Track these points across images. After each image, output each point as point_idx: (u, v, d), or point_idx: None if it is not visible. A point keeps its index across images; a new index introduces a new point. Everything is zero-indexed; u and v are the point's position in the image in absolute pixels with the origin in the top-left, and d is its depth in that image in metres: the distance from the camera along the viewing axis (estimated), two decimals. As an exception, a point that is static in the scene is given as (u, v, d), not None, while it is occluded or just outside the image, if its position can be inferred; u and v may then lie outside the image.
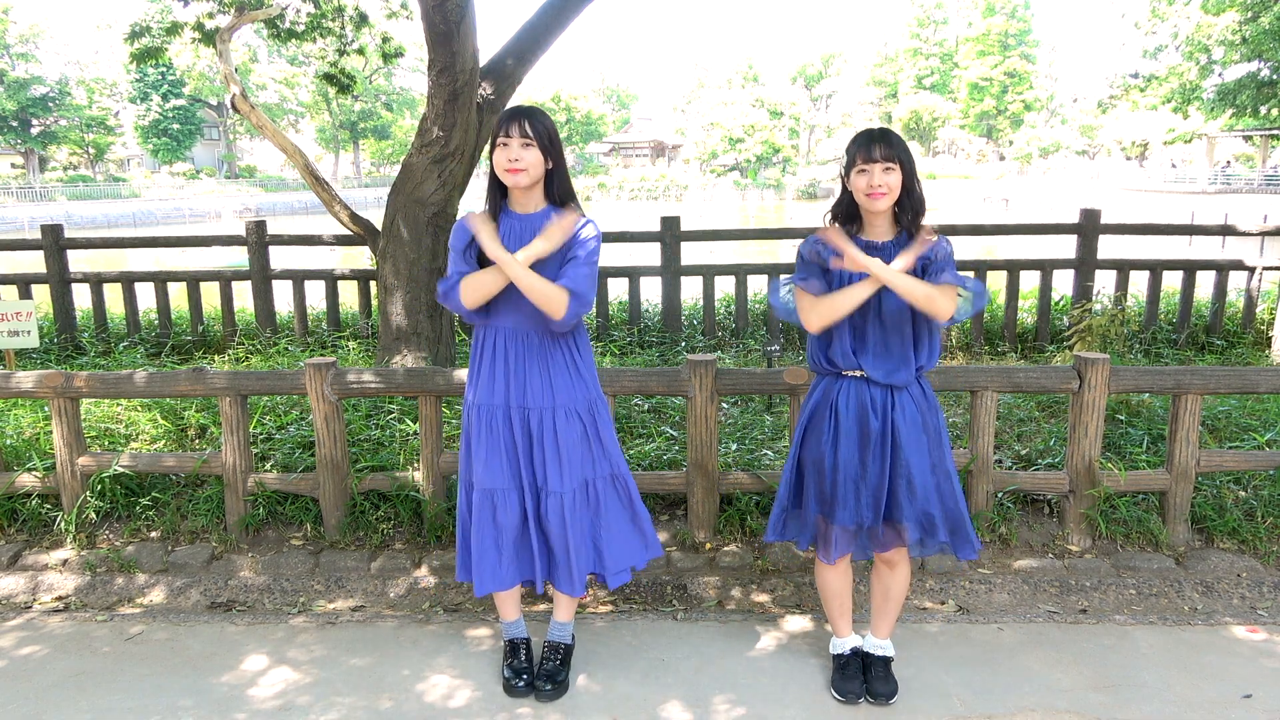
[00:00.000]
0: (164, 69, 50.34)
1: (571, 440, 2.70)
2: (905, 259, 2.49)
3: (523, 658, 2.91)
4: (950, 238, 2.65)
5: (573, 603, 2.95)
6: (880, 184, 2.49)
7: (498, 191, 2.69)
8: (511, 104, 5.83)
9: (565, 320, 2.56)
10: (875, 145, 2.50)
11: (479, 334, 2.74)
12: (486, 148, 2.69)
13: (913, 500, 2.61)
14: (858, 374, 2.63)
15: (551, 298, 2.53)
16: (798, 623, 3.27)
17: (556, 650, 2.91)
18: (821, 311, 2.55)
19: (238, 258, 18.97)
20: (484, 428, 2.71)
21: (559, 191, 2.69)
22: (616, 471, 2.84)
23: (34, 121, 48.85)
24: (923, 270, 2.57)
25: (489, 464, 2.71)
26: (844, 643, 2.88)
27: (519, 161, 2.56)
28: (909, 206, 2.56)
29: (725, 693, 2.84)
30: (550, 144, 2.61)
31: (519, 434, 2.70)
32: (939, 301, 2.47)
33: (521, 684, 2.83)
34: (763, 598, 3.47)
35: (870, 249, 2.58)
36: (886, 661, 2.83)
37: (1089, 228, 7.06)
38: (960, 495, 2.69)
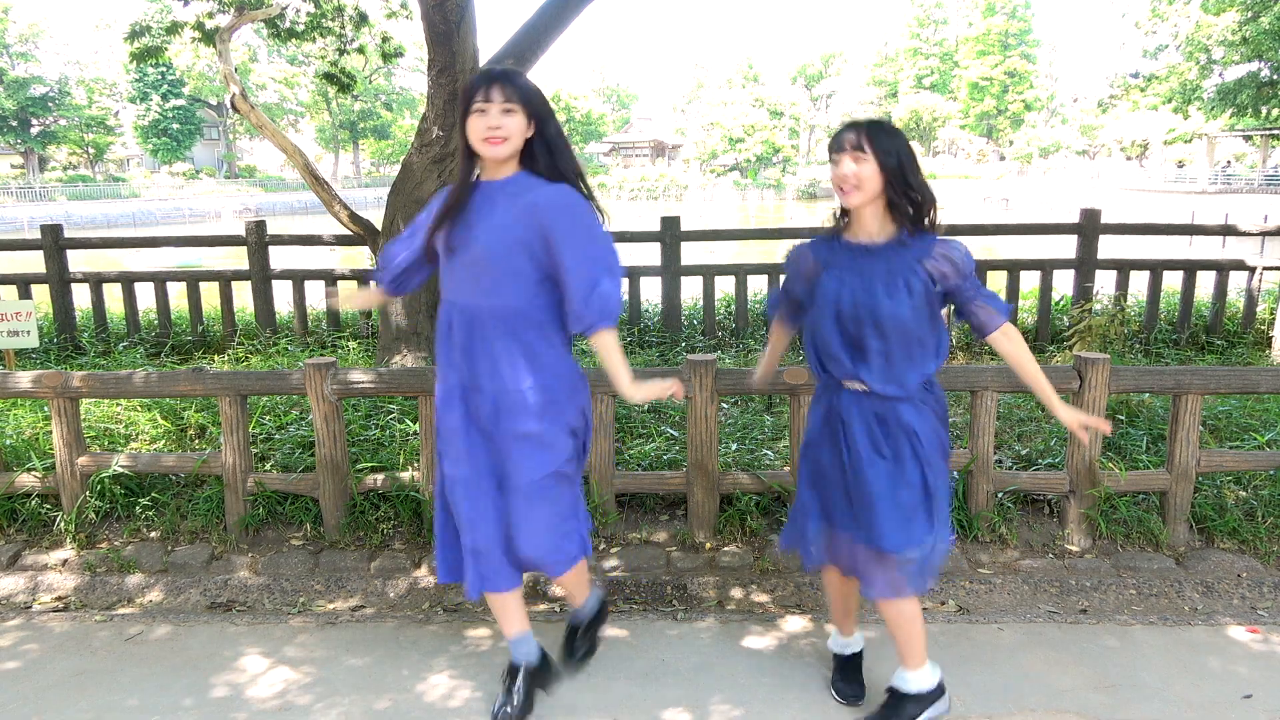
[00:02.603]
0: (164, 69, 50.34)
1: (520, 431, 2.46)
2: None
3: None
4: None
5: (579, 583, 2.79)
6: (848, 174, 2.25)
7: (471, 164, 2.42)
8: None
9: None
10: (845, 133, 2.26)
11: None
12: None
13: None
14: (858, 386, 2.40)
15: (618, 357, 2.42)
16: (798, 623, 3.26)
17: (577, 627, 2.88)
18: (770, 340, 2.59)
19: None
20: (441, 412, 2.55)
21: (559, 165, 2.40)
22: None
23: (34, 121, 48.86)
24: (946, 294, 2.37)
25: (450, 453, 2.55)
26: (846, 643, 2.84)
27: (500, 130, 2.30)
28: (903, 202, 2.27)
29: (725, 693, 2.84)
30: (536, 105, 2.35)
31: (474, 418, 2.50)
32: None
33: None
34: (763, 598, 3.47)
35: (859, 251, 2.37)
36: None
37: (1089, 228, 7.06)
38: (932, 520, 2.42)
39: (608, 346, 2.40)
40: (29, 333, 4.97)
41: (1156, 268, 7.12)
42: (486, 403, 2.46)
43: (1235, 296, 7.62)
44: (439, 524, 2.67)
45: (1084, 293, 7.05)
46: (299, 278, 7.51)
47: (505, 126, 2.31)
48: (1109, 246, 7.29)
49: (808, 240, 2.52)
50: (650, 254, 7.61)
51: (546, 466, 2.48)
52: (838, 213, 2.47)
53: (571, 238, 2.33)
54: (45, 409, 4.63)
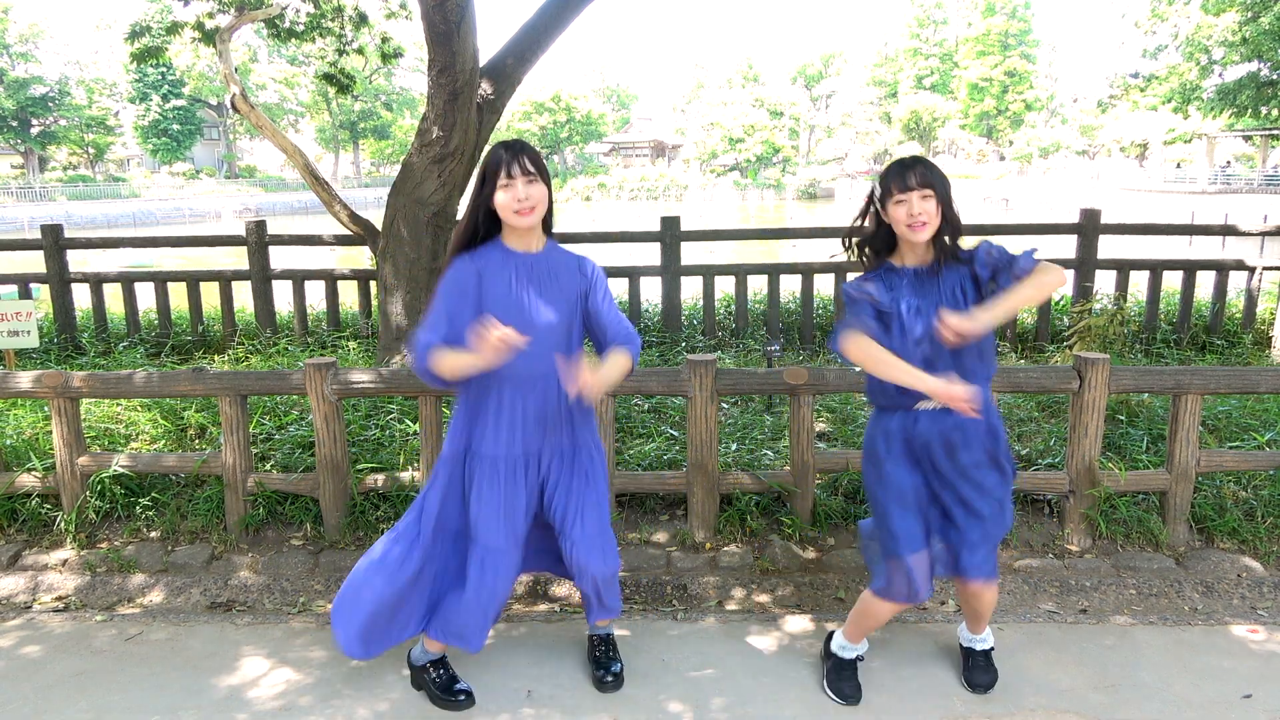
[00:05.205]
0: (164, 69, 50.34)
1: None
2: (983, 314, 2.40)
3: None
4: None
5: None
6: (920, 212, 2.44)
7: (486, 226, 2.55)
8: (511, 104, 5.83)
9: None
10: (909, 173, 2.45)
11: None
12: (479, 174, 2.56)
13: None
14: (933, 406, 2.54)
15: (626, 369, 2.56)
16: (798, 623, 3.27)
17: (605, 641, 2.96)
18: (865, 353, 2.47)
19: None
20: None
21: (549, 221, 2.64)
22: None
23: (34, 121, 48.85)
24: (991, 277, 2.50)
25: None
26: (856, 649, 2.86)
27: (528, 200, 2.47)
28: (946, 230, 2.52)
29: (725, 693, 2.84)
30: (546, 174, 2.54)
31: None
32: (1045, 284, 2.41)
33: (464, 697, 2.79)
34: (763, 598, 3.47)
35: (918, 276, 2.54)
36: (987, 654, 2.89)
37: (1089, 228, 7.06)
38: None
39: None
40: (29, 333, 4.97)
41: (1156, 268, 7.12)
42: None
43: (1235, 296, 7.62)
44: None
45: (1084, 293, 7.05)
46: (299, 278, 7.52)
47: (532, 197, 2.49)
48: (1109, 246, 7.29)
49: (862, 277, 2.62)
50: (650, 254, 7.62)
51: None
52: (867, 252, 2.63)
53: (610, 304, 2.72)
54: (45, 409, 4.63)
